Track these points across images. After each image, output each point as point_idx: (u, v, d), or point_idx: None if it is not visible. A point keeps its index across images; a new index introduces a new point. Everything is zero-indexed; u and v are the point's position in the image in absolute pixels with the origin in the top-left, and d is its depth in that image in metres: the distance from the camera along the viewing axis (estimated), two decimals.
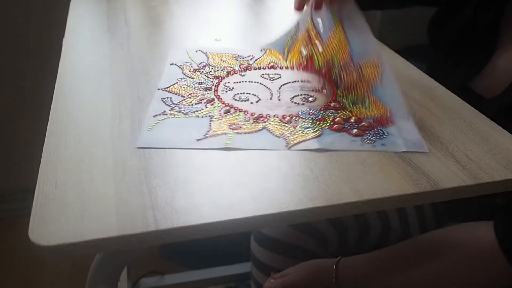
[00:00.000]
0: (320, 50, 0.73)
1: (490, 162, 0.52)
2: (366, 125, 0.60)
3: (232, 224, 0.44)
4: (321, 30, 0.74)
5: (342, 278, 0.69)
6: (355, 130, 0.59)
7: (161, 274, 1.25)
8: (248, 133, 0.56)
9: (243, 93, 0.66)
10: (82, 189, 0.47)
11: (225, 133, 0.55)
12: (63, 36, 0.82)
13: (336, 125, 0.59)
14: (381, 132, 0.59)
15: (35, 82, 1.38)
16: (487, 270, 0.63)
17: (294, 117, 0.60)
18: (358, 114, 0.62)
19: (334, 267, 0.70)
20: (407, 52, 0.84)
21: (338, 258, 0.72)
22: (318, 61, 0.73)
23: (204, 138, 0.53)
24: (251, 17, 0.81)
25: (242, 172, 0.50)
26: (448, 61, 0.83)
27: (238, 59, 0.76)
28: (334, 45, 0.73)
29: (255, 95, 0.65)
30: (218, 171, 0.50)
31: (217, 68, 0.72)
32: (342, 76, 0.70)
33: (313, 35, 0.75)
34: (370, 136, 0.58)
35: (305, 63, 0.74)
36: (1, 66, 1.42)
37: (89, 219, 0.43)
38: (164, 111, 0.59)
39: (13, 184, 1.59)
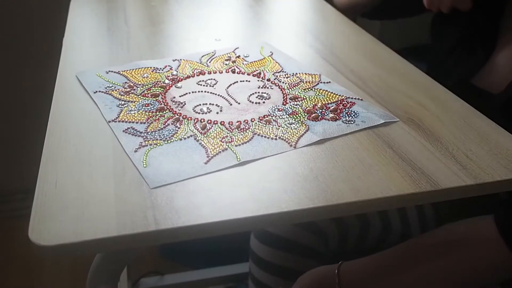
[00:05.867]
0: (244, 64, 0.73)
1: (490, 162, 0.52)
2: (335, 108, 0.61)
3: (232, 224, 0.44)
4: (245, 58, 0.75)
5: (345, 282, 0.69)
6: (331, 115, 0.60)
7: (161, 274, 1.25)
8: (245, 143, 0.54)
9: (199, 104, 0.62)
10: (82, 189, 0.47)
11: (226, 149, 0.53)
12: (63, 36, 0.82)
13: (313, 114, 0.60)
14: (352, 112, 0.61)
15: (35, 82, 1.38)
16: (489, 261, 0.64)
17: (270, 117, 0.60)
18: (320, 101, 0.63)
19: (336, 271, 0.70)
20: (407, 52, 0.84)
21: (340, 262, 0.71)
22: (246, 70, 0.72)
23: (209, 159, 0.51)
24: (251, 17, 0.81)
25: (242, 172, 0.50)
26: (449, 58, 0.83)
27: (158, 71, 0.70)
28: (262, 63, 0.74)
29: (212, 104, 0.62)
30: (218, 170, 0.50)
31: (147, 85, 0.66)
32: (281, 78, 0.70)
33: (235, 58, 0.75)
34: (346, 117, 0.60)
35: (233, 69, 0.72)
36: (1, 66, 1.42)
37: (89, 218, 0.43)
38: (141, 143, 0.54)
39: (13, 184, 1.59)
